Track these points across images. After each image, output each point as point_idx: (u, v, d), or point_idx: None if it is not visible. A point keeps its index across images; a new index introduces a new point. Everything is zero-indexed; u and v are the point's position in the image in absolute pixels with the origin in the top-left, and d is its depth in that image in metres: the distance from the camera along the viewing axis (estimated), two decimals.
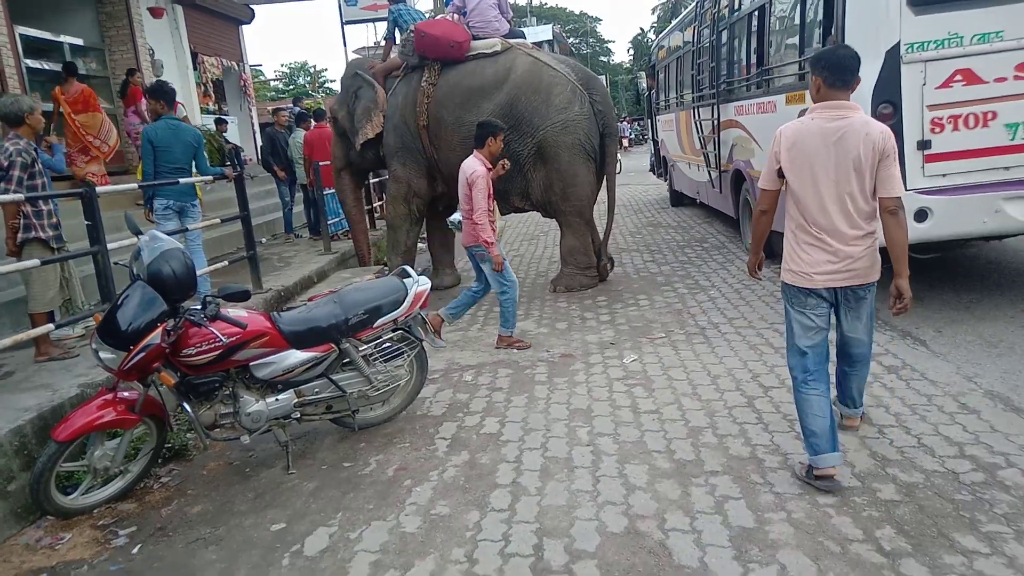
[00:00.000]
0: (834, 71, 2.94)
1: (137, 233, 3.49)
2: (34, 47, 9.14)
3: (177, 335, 3.33)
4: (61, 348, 4.62)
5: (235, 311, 3.57)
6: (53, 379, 4.12)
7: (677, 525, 2.88)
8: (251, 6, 15.45)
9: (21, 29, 8.65)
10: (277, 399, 3.72)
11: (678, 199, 12.38)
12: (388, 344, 4.02)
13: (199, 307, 3.37)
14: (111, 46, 10.48)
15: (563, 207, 6.74)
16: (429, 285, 4.14)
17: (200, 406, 3.58)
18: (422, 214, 7.41)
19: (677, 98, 11.01)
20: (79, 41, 10.03)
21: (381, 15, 11.97)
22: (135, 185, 5.02)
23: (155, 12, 10.89)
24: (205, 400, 3.59)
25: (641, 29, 42.91)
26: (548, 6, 50.45)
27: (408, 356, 4.09)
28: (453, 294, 7.47)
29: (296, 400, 3.78)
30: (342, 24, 14.02)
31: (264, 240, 10.34)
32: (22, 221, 4.43)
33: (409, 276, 4.14)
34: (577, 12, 54.63)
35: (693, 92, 9.52)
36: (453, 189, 7.28)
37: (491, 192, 5.13)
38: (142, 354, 3.19)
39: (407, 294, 3.98)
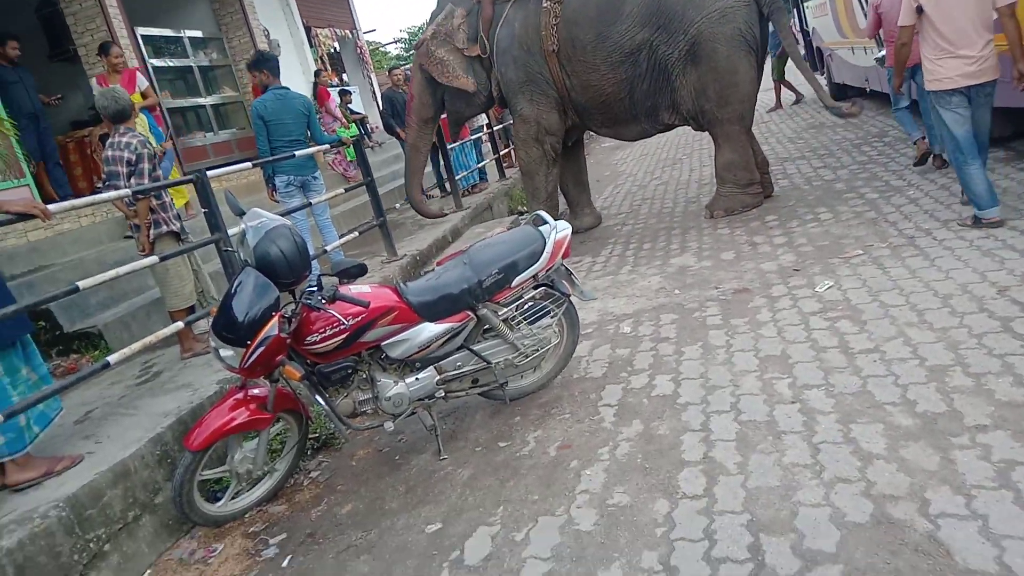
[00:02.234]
0: None
1: (239, 213, 3.13)
2: (156, 46, 9.32)
3: (297, 322, 2.96)
4: (205, 342, 4.49)
5: (357, 288, 3.14)
6: (195, 377, 3.96)
7: (947, 508, 2.11)
8: None
9: (142, 30, 8.80)
10: (417, 378, 3.29)
11: (841, 92, 10.77)
12: (531, 304, 3.46)
13: (315, 288, 2.97)
14: (228, 33, 10.54)
15: (720, 114, 5.79)
16: (569, 231, 3.50)
17: (336, 395, 3.23)
18: (557, 153, 6.65)
19: None
20: (198, 33, 10.14)
21: None
22: (249, 164, 4.75)
23: None
24: (341, 388, 3.23)
25: None
26: None
27: (555, 315, 3.51)
28: (594, 236, 6.81)
29: (438, 377, 3.33)
30: None
31: (399, 205, 10.15)
32: (152, 217, 4.28)
33: (546, 223, 3.53)
34: None
35: None
36: (587, 118, 6.51)
37: None
38: (261, 348, 2.84)
39: (545, 244, 3.38)
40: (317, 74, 11.12)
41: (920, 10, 4.09)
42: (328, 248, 5.29)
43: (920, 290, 3.63)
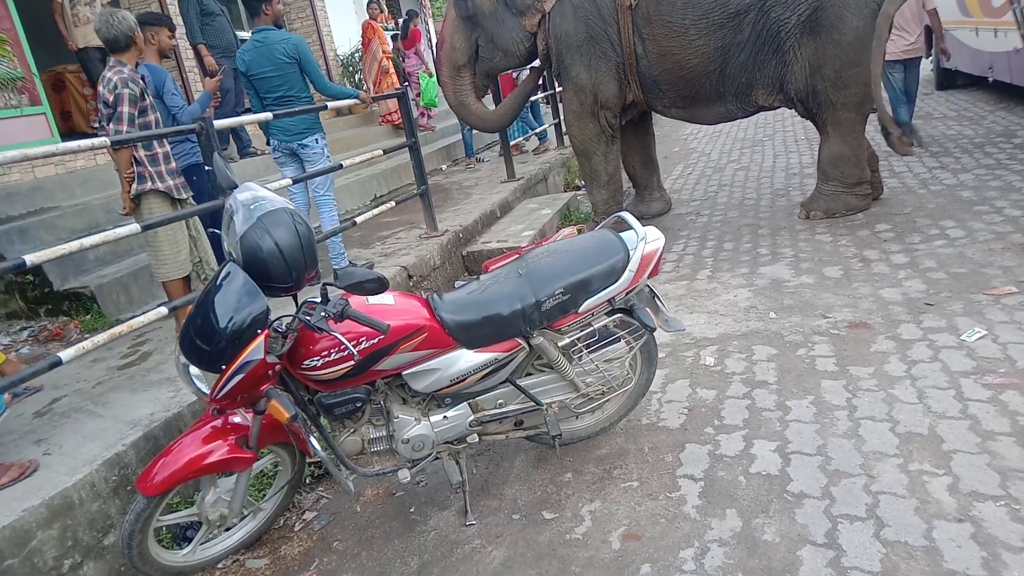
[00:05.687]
0: None
1: (230, 187, 2.37)
2: None
3: (293, 341, 2.23)
4: None
5: (377, 299, 2.38)
6: None
7: None
8: None
9: None
10: (445, 416, 2.55)
11: (950, 80, 9.53)
12: (601, 333, 2.66)
13: (318, 299, 2.21)
14: None
15: (835, 97, 4.80)
16: (662, 242, 2.66)
17: (340, 429, 2.51)
18: (615, 129, 5.67)
19: None
20: None
21: None
22: (244, 120, 3.84)
23: None
24: (347, 420, 2.50)
25: None
26: None
27: (632, 349, 2.72)
28: (664, 225, 5.92)
29: (472, 417, 2.58)
30: None
31: (444, 167, 9.37)
32: (136, 170, 3.57)
33: (630, 227, 2.70)
34: None
35: None
36: (655, 95, 5.44)
37: None
38: (240, 375, 2.11)
39: (629, 258, 2.56)
40: (410, 14, 9.92)
41: None
42: (325, 231, 4.43)
43: None
